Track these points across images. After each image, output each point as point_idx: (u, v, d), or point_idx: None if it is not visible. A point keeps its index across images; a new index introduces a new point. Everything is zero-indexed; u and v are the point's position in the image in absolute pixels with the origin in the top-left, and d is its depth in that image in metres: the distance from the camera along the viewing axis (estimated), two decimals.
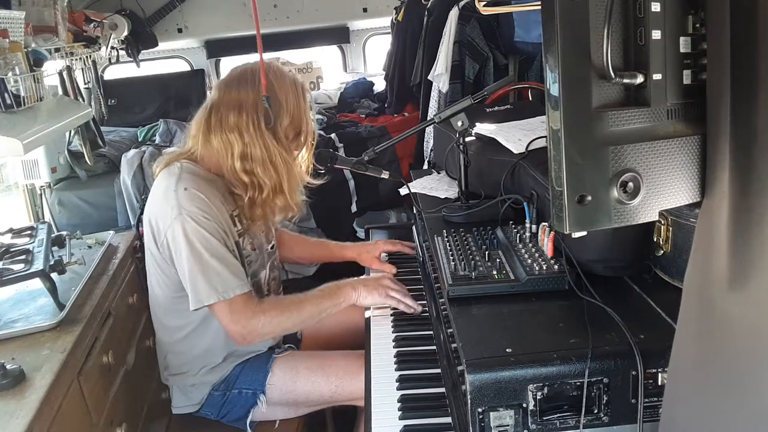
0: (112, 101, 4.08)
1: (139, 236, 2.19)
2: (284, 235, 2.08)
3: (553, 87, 0.71)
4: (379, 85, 4.58)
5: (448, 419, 1.28)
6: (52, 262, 1.75)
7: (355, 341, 1.87)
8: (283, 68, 1.69)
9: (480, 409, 1.04)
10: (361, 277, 1.78)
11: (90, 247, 2.15)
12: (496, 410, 1.04)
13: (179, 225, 1.54)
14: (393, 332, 1.64)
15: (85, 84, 3.20)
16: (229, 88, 1.64)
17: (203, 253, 1.54)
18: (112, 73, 4.57)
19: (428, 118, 2.70)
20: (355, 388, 1.66)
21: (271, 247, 1.87)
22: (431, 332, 1.58)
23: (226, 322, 1.59)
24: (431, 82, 3.11)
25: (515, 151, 1.72)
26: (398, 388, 1.42)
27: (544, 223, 1.41)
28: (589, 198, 0.72)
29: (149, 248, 1.68)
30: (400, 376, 1.46)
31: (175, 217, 1.54)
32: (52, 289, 1.68)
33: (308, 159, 1.79)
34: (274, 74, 1.63)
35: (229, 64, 4.79)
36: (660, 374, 1.03)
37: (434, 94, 3.13)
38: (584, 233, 0.74)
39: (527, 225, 1.47)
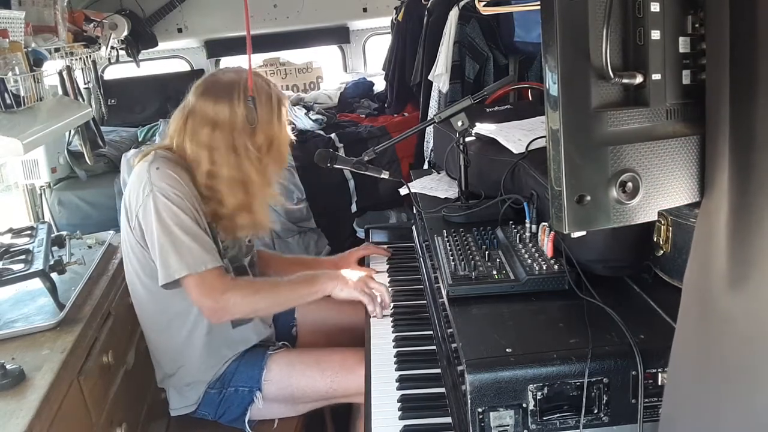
0: (112, 101, 4.07)
1: None
2: (260, 253, 2.02)
3: (553, 87, 0.71)
4: (379, 85, 4.57)
5: (448, 419, 1.28)
6: (52, 262, 1.75)
7: (351, 340, 1.87)
8: (260, 80, 1.68)
9: (480, 409, 1.04)
10: (344, 269, 1.76)
11: (90, 247, 2.16)
12: (496, 410, 1.04)
13: (150, 201, 1.55)
14: (393, 332, 1.63)
15: (85, 84, 3.19)
16: (205, 98, 1.64)
17: (174, 228, 1.54)
18: (112, 73, 4.57)
19: (428, 118, 2.69)
20: (352, 383, 1.66)
21: (249, 241, 1.85)
22: (431, 332, 1.58)
23: (197, 295, 1.57)
24: (431, 82, 3.10)
25: (515, 151, 1.72)
26: (398, 388, 1.42)
27: (544, 223, 1.41)
28: (589, 198, 0.72)
29: (125, 236, 1.68)
30: (400, 376, 1.46)
31: (147, 194, 1.56)
32: (52, 289, 1.68)
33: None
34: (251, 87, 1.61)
35: (229, 64, 4.79)
36: (660, 374, 1.03)
37: (434, 94, 3.12)
38: (584, 233, 0.74)
39: (527, 225, 1.47)
